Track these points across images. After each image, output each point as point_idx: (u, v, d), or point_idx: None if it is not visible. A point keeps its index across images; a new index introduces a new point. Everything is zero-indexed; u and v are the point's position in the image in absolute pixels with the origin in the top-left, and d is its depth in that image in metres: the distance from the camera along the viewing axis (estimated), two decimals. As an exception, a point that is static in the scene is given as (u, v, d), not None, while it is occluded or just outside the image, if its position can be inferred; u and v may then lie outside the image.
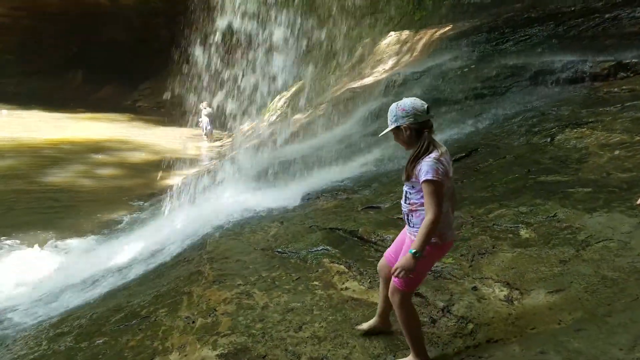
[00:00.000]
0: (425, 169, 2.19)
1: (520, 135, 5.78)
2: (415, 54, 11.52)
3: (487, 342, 2.55)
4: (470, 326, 2.70)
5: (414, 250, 2.16)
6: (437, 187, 2.17)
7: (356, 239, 4.19)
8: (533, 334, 2.50)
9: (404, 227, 2.61)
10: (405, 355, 2.48)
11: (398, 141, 2.39)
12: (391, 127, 2.34)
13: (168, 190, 9.08)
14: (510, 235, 3.53)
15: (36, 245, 7.22)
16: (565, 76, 7.32)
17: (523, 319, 2.65)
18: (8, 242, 7.28)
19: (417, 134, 2.28)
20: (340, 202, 5.52)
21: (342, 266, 3.66)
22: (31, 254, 6.90)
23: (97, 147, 14.99)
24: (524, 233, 3.54)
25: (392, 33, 13.37)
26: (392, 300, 2.39)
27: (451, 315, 2.83)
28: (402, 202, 2.42)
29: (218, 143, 17.73)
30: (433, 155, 2.22)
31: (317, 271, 3.67)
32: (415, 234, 2.25)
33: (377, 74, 12.01)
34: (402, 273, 2.19)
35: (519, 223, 3.67)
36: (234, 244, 4.64)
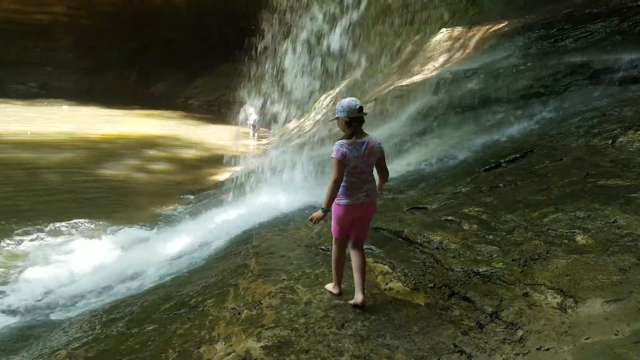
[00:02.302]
0: (333, 149, 3.06)
1: (579, 136, 5.49)
2: (468, 51, 11.18)
3: (537, 349, 2.45)
4: (520, 333, 2.60)
5: (322, 206, 3.06)
6: (334, 162, 3.03)
7: (401, 239, 4.13)
8: (587, 344, 2.37)
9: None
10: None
11: (339, 126, 3.15)
12: (334, 117, 3.16)
13: (217, 186, 9.31)
14: (566, 241, 3.36)
15: (93, 235, 7.62)
16: (630, 75, 6.89)
17: (577, 327, 2.52)
18: (65, 231, 7.73)
19: (347, 125, 3.05)
20: (385, 202, 5.46)
21: (386, 266, 3.62)
22: (87, 243, 7.29)
23: (150, 143, 15.63)
24: (580, 239, 3.36)
25: (443, 29, 13.05)
26: None
27: (500, 320, 2.73)
28: None
29: (264, 141, 18.02)
30: (341, 141, 3.06)
31: (361, 270, 3.64)
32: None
33: (426, 71, 11.77)
34: (314, 220, 3.10)
35: (575, 228, 3.49)
36: (278, 240, 4.71)
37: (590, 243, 3.27)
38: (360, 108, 3.03)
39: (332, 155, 3.04)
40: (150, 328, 3.52)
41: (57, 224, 7.89)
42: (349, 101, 3.05)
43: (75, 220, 8.10)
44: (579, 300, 2.72)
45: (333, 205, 3.11)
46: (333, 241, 3.27)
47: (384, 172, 3.26)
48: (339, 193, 3.08)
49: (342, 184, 3.06)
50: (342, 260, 3.26)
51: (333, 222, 3.20)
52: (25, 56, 29.13)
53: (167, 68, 30.51)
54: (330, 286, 3.37)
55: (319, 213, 3.06)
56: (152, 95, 29.19)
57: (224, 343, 2.95)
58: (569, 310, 2.67)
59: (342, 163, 3.01)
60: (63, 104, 23.61)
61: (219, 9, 27.97)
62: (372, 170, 3.16)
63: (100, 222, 8.15)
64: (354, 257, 3.19)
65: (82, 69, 30.29)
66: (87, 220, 8.16)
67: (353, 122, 3.03)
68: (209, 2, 28.31)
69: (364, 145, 3.05)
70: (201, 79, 30.24)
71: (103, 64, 30.47)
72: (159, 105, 25.34)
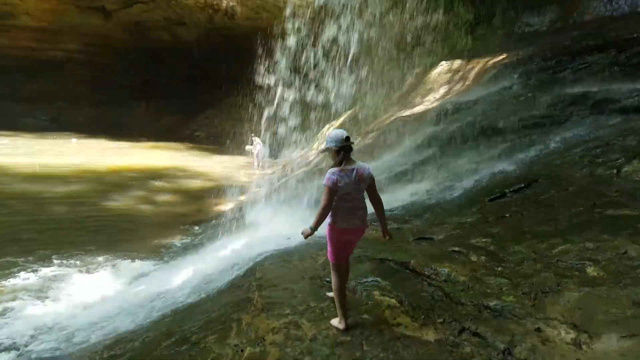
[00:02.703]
0: (325, 177, 3.24)
1: (583, 166, 5.47)
2: (467, 82, 11.33)
3: (554, 389, 2.35)
4: (534, 371, 2.51)
5: (310, 225, 3.23)
6: (325, 189, 3.22)
7: (408, 271, 4.06)
8: (606, 383, 2.28)
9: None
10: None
11: (329, 156, 3.36)
12: (324, 148, 3.37)
13: (221, 217, 9.27)
14: (577, 273, 3.30)
15: (95, 268, 7.55)
16: (630, 105, 6.93)
17: (593, 366, 2.44)
18: (69, 263, 7.65)
19: (337, 153, 3.27)
20: (391, 231, 5.38)
21: (393, 300, 3.54)
22: (90, 276, 7.21)
23: (157, 174, 15.68)
24: (591, 271, 3.30)
25: (443, 62, 13.28)
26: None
27: (513, 358, 2.65)
28: None
29: (269, 170, 18.09)
30: (332, 169, 3.26)
31: (367, 304, 3.57)
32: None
33: (427, 102, 11.90)
34: (304, 235, 3.26)
35: (585, 260, 3.43)
36: (282, 272, 4.63)
37: (601, 275, 3.21)
38: (347, 137, 3.27)
39: (324, 183, 3.24)
40: (152, 366, 3.42)
41: (59, 256, 7.83)
42: (336, 132, 3.30)
43: (78, 252, 8.04)
44: (593, 335, 2.64)
45: (329, 229, 3.30)
46: (332, 269, 3.34)
47: (377, 203, 3.40)
48: (335, 217, 3.26)
49: (338, 209, 3.25)
50: (345, 290, 3.33)
51: (330, 248, 3.34)
52: (38, 91, 29.71)
53: (175, 101, 31.03)
54: (335, 321, 3.31)
55: (307, 229, 3.26)
56: (160, 127, 29.50)
57: (227, 382, 2.86)
58: (584, 347, 2.59)
59: (333, 190, 3.20)
60: (72, 137, 23.87)
61: (227, 46, 28.70)
62: (364, 197, 3.34)
63: (103, 254, 8.08)
64: None
65: (92, 103, 30.81)
66: (89, 253, 8.09)
67: (341, 151, 3.25)
68: (217, 39, 29.06)
69: (354, 172, 3.25)
70: (208, 111, 30.66)
71: (113, 98, 31.00)
72: (167, 137, 25.59)
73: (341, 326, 3.24)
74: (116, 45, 29.84)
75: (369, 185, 3.31)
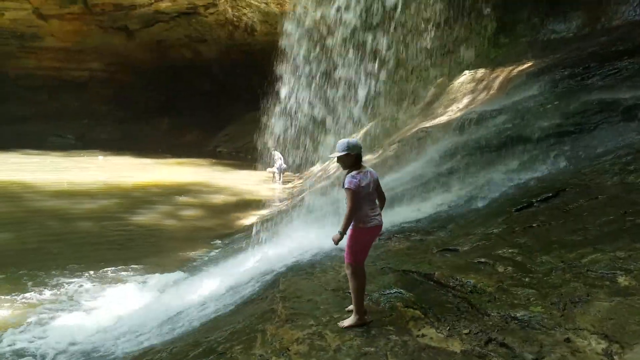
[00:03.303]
0: (345, 180, 3.43)
1: (614, 174, 5.32)
2: (492, 91, 11.18)
3: (585, 402, 2.28)
4: (565, 383, 2.44)
5: (339, 230, 3.37)
6: (349, 192, 3.36)
7: (432, 283, 4.01)
8: (641, 396, 2.19)
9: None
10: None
11: (340, 162, 3.56)
12: (340, 154, 3.48)
13: (244, 230, 9.34)
14: (607, 283, 3.20)
15: (121, 281, 7.69)
16: (664, 111, 6.72)
17: (627, 377, 2.35)
18: (96, 276, 7.81)
19: (355, 159, 3.48)
20: (414, 243, 5.36)
21: (417, 311, 3.50)
22: (117, 289, 7.35)
23: (181, 190, 15.94)
24: (622, 280, 3.19)
25: (466, 72, 13.16)
26: (347, 272, 3.52)
27: (541, 369, 2.58)
28: None
29: (290, 184, 18.19)
30: (352, 172, 3.45)
31: (391, 315, 3.54)
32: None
33: (450, 112, 11.79)
34: (332, 242, 3.41)
35: (616, 269, 3.33)
36: (305, 284, 4.64)
37: (633, 285, 3.10)
38: (360, 146, 3.58)
39: (347, 187, 3.38)
40: (178, 376, 3.46)
41: (86, 269, 8.00)
42: (348, 140, 3.55)
43: (104, 266, 8.19)
44: (625, 346, 2.55)
45: (355, 232, 3.40)
46: (352, 272, 3.44)
47: (382, 197, 3.65)
48: (361, 218, 3.39)
49: (363, 210, 3.39)
50: (364, 293, 3.53)
51: (351, 250, 3.44)
52: (64, 109, 30.80)
53: (197, 117, 31.67)
54: (347, 322, 3.46)
55: (337, 235, 3.38)
56: (183, 143, 30.08)
57: (251, 392, 2.87)
58: (616, 357, 2.50)
59: (357, 192, 3.36)
60: (99, 154, 24.52)
61: (246, 62, 29.26)
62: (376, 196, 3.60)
63: (130, 268, 8.22)
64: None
65: (116, 121, 31.74)
66: (116, 266, 8.25)
67: (358, 157, 3.49)
68: (237, 54, 29.65)
69: (368, 174, 3.50)
70: (229, 127, 31.13)
71: (137, 115, 31.83)
72: (190, 153, 26.05)
73: (366, 318, 3.39)
74: (138, 63, 30.76)
75: (377, 184, 3.57)
